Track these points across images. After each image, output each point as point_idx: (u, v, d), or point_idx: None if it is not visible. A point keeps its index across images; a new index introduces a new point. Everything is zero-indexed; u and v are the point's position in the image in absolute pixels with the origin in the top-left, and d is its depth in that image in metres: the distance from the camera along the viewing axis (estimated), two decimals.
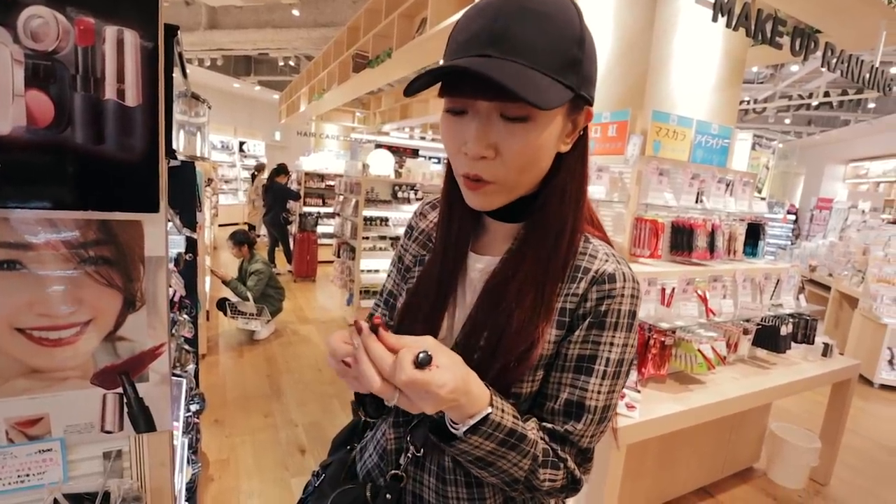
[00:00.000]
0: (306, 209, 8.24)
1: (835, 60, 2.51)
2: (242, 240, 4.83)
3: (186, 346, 2.33)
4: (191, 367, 2.70)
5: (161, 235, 0.76)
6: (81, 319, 0.73)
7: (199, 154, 2.01)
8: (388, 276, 0.92)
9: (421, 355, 0.52)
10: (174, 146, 0.99)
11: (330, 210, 7.80)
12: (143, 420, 0.80)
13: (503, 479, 0.63)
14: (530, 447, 0.62)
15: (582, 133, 0.68)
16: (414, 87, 0.59)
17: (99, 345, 0.75)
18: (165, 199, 0.76)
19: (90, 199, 0.69)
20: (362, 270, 5.33)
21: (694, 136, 2.58)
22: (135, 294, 0.76)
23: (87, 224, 0.72)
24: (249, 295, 4.60)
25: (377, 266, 5.54)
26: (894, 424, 3.97)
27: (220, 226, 9.04)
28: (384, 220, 5.74)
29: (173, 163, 2.30)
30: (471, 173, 0.63)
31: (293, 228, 7.73)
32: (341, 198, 6.13)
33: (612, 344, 0.67)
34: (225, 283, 4.66)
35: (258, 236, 8.00)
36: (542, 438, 0.66)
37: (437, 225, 0.79)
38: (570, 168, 0.68)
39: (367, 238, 5.53)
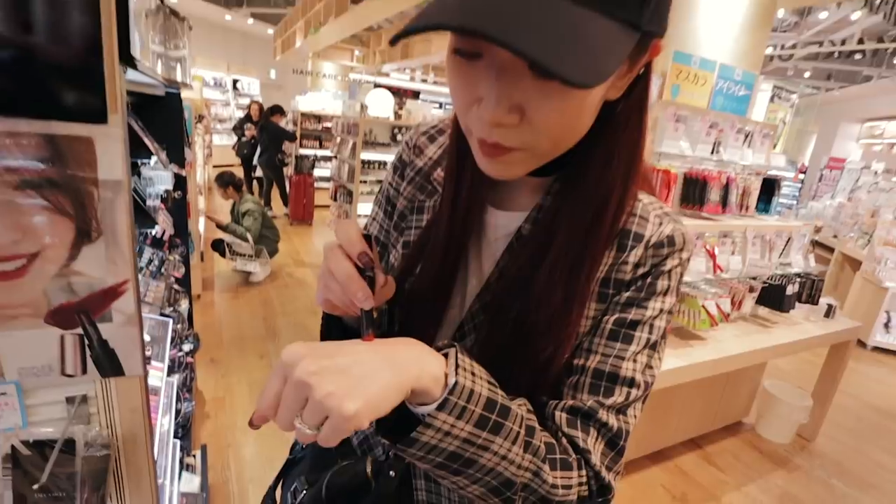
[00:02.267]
0: (303, 151, 8.01)
1: (879, 1, 2.30)
2: (228, 181, 4.68)
3: (177, 287, 2.27)
4: (184, 307, 2.65)
5: (118, 156, 0.65)
6: (27, 251, 0.64)
7: (180, 79, 1.84)
8: (373, 219, 0.78)
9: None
10: (136, 53, 0.86)
11: (327, 153, 7.57)
12: (108, 364, 0.73)
13: (491, 486, 0.47)
14: (516, 424, 0.46)
15: (642, 72, 0.51)
16: (401, 36, 0.40)
17: (51, 280, 0.66)
18: (122, 113, 0.65)
19: (20, 102, 0.57)
20: (360, 215, 5.22)
21: (715, 81, 2.40)
22: (89, 223, 0.66)
23: (28, 140, 0.61)
24: (249, 235, 4.51)
25: None
26: (884, 386, 4.02)
27: (214, 167, 8.81)
28: (382, 164, 5.56)
29: (155, 91, 2.13)
30: (487, 139, 0.47)
31: (289, 171, 7.53)
32: (338, 140, 5.92)
33: (660, 310, 0.57)
34: (221, 227, 4.56)
35: (256, 178, 7.80)
36: (556, 426, 0.55)
37: (445, 175, 0.65)
38: (622, 119, 0.52)
39: (365, 182, 5.39)
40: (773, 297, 2.51)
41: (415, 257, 0.68)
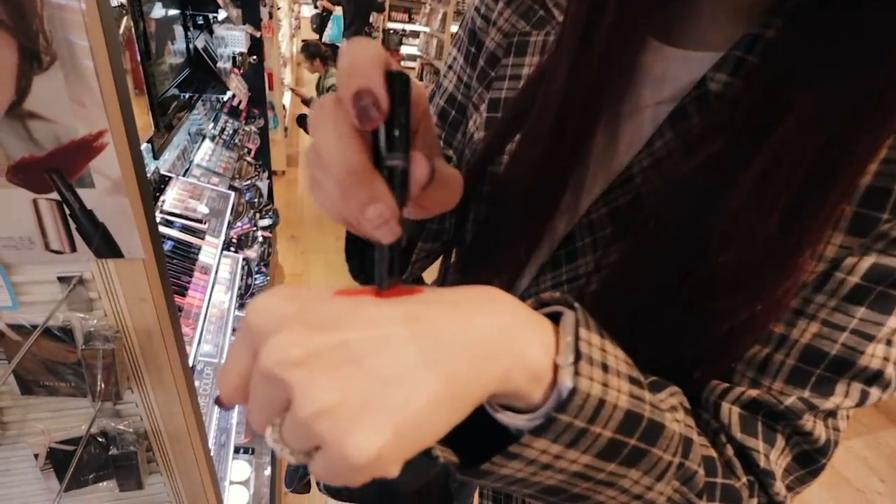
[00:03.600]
0: (390, 25, 7.43)
1: None
2: (315, 52, 4.42)
3: (249, 159, 2.17)
4: (262, 181, 2.61)
5: None
6: None
7: None
8: (448, 67, 0.55)
9: None
10: None
11: (416, 27, 6.95)
12: (101, 241, 0.57)
13: None
14: (669, 451, 0.28)
15: None
16: None
17: (2, 123, 0.48)
18: None
19: None
20: None
21: None
22: (35, 41, 0.45)
23: None
24: None
25: None
26: None
27: (302, 41, 8.55)
28: None
29: None
30: None
31: None
32: (427, 9, 5.32)
33: None
34: (305, 102, 4.43)
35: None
36: (720, 424, 0.35)
37: None
38: None
39: None
40: None
41: (508, 126, 0.45)
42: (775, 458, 0.34)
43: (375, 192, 0.24)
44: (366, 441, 0.19)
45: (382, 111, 0.23)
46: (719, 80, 0.35)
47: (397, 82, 0.24)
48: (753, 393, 0.34)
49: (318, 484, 0.74)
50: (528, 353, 0.24)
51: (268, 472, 1.47)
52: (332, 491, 0.70)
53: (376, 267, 0.25)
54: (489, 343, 0.23)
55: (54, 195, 0.53)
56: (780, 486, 0.34)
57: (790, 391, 0.34)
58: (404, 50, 7.02)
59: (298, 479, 0.80)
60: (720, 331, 0.33)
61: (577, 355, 0.24)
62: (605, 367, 0.25)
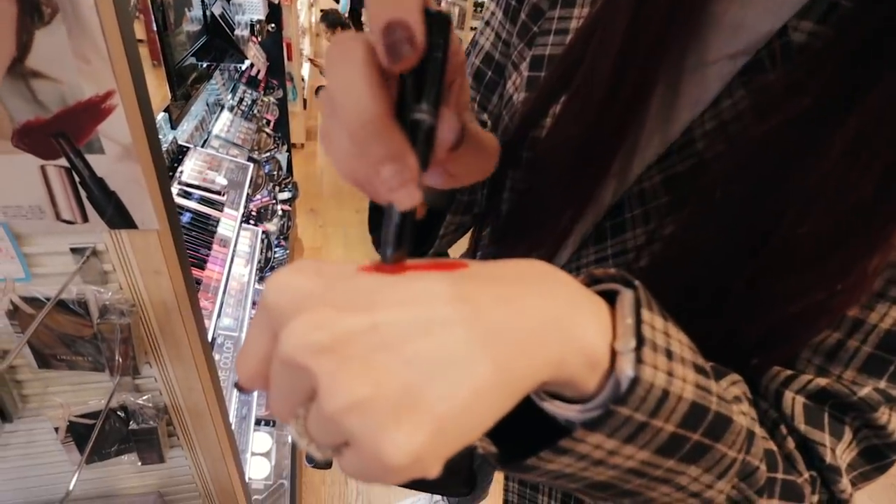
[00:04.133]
0: None
1: None
2: (335, 21, 4.32)
3: (268, 130, 2.13)
4: (281, 154, 2.58)
5: None
6: None
7: None
8: (487, 24, 0.49)
9: None
10: None
11: None
12: (113, 211, 0.54)
13: None
14: (735, 448, 0.26)
15: None
16: None
17: (4, 83, 0.45)
18: None
19: None
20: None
21: None
22: None
23: None
24: None
25: None
26: None
27: (321, 10, 8.39)
28: None
29: None
30: None
31: None
32: None
33: None
34: (324, 73, 4.35)
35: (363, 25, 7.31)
36: (783, 415, 0.32)
37: None
38: None
39: (476, 29, 4.73)
40: None
41: (554, 86, 0.41)
42: (841, 453, 0.32)
43: (394, 149, 0.20)
44: (404, 440, 0.16)
45: (418, 49, 0.19)
46: (804, 29, 0.30)
47: (438, 21, 0.20)
48: (822, 382, 0.31)
49: None
50: (585, 337, 0.21)
51: (289, 443, 1.49)
52: None
53: (382, 234, 0.21)
54: (544, 327, 0.20)
55: (63, 161, 0.50)
56: (845, 483, 0.31)
57: (864, 381, 0.31)
58: None
59: None
60: (790, 312, 0.30)
61: (640, 340, 0.21)
62: (669, 354, 0.22)
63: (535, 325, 0.20)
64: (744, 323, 0.32)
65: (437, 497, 1.62)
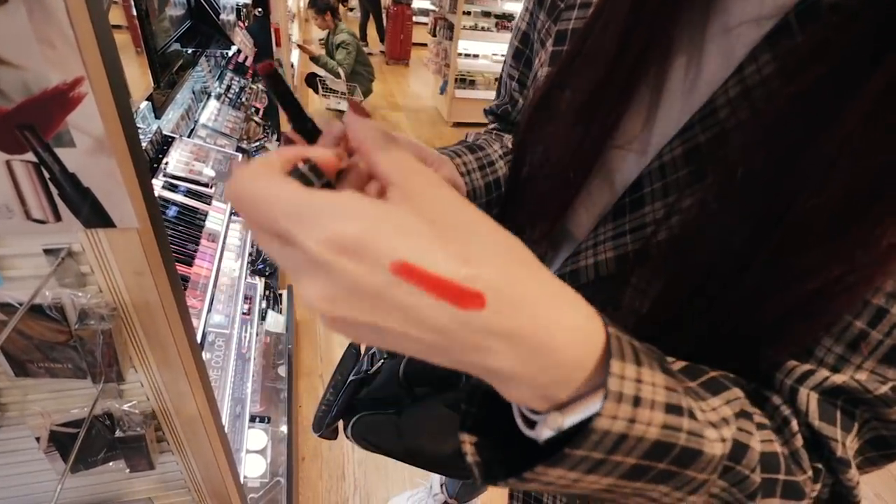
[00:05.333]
0: None
1: None
2: (325, 6, 4.21)
3: (257, 119, 2.07)
4: (271, 144, 2.51)
5: None
6: None
7: None
8: (525, 9, 0.53)
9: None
10: None
11: None
12: (88, 208, 0.50)
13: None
14: (706, 471, 0.27)
15: None
16: None
17: None
18: None
19: None
20: (460, 54, 4.60)
21: None
22: None
23: None
24: (341, 71, 4.19)
25: (477, 50, 4.76)
26: None
27: None
28: None
29: None
30: None
31: (387, 1, 6.79)
32: None
33: None
34: (313, 59, 4.26)
35: (350, 9, 7.19)
36: (796, 410, 0.33)
37: None
38: None
39: (469, 14, 4.65)
40: None
41: (572, 55, 0.42)
42: (850, 443, 0.32)
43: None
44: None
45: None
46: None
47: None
48: (838, 380, 0.31)
49: (345, 430, 0.74)
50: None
51: (284, 440, 1.46)
52: (359, 438, 0.71)
53: None
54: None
55: (30, 156, 0.46)
56: (853, 473, 0.32)
57: (884, 371, 0.30)
58: (416, 4, 6.70)
59: (327, 425, 0.78)
60: (808, 289, 0.29)
61: (605, 394, 0.22)
62: (636, 401, 0.23)
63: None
64: (762, 299, 0.31)
65: (436, 490, 1.61)
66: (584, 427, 0.22)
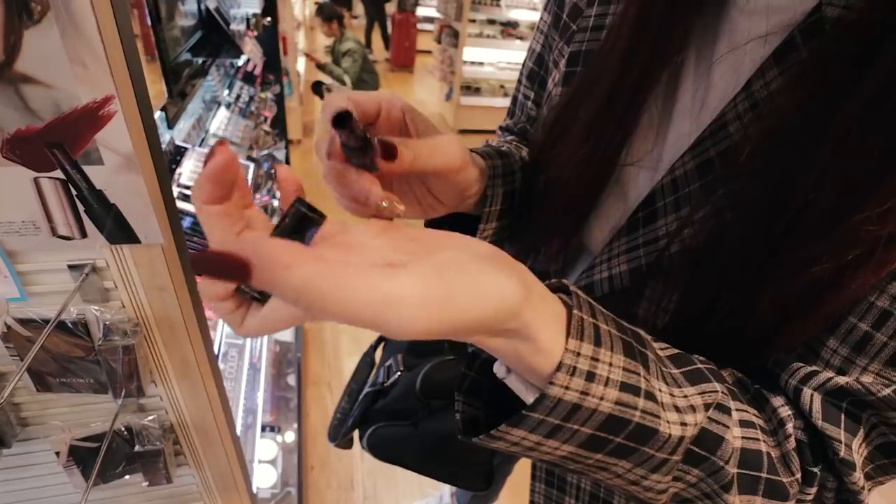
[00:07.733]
0: None
1: None
2: (332, 14, 4.24)
3: (266, 127, 2.08)
4: (279, 152, 2.52)
5: None
6: None
7: None
8: (540, 31, 0.54)
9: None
10: None
11: None
12: (113, 225, 0.50)
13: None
14: (665, 451, 0.29)
15: None
16: None
17: None
18: None
19: None
20: (465, 62, 4.62)
21: None
22: None
23: None
24: (346, 78, 4.20)
25: (483, 58, 4.78)
26: None
27: (315, 2, 8.29)
28: (496, 0, 4.74)
29: None
30: None
31: (391, 8, 6.83)
32: None
33: None
34: (319, 67, 4.28)
35: (354, 17, 7.24)
36: (800, 410, 0.34)
37: None
38: None
39: (474, 21, 4.67)
40: None
41: (583, 80, 0.44)
42: (857, 447, 0.33)
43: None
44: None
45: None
46: (838, 3, 0.30)
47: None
48: (842, 381, 0.32)
49: (360, 441, 0.75)
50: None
51: (294, 449, 1.46)
52: (374, 449, 0.72)
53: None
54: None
55: (58, 173, 0.46)
56: (858, 476, 0.32)
57: (889, 374, 0.31)
58: (421, 12, 6.74)
59: (343, 434, 0.78)
60: (801, 281, 0.30)
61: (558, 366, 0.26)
62: (589, 376, 0.26)
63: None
64: (765, 292, 0.32)
65: (447, 500, 1.60)
66: (535, 402, 0.26)
